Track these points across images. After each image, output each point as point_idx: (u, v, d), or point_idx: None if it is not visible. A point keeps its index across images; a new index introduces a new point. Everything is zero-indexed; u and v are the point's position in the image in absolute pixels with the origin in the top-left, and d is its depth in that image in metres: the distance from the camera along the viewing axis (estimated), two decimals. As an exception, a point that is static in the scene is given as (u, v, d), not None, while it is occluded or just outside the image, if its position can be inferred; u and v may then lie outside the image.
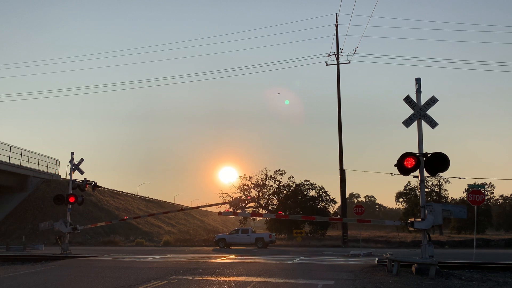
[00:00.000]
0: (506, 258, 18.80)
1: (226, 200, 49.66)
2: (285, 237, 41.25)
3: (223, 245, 30.80)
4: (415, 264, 11.83)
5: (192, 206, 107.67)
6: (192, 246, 34.35)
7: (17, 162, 44.83)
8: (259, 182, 49.63)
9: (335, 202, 48.78)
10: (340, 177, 33.88)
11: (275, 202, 49.58)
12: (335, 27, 35.53)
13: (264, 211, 50.80)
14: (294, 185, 48.76)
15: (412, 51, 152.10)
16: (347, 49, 71.36)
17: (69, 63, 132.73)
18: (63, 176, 53.02)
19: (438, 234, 52.43)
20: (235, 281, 10.56)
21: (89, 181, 21.90)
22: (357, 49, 40.99)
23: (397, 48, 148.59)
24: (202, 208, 44.70)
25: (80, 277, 11.88)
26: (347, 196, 39.30)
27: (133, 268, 13.92)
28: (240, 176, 50.77)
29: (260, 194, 49.96)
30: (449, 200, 59.00)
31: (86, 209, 47.21)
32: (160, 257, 19.20)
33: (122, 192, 66.94)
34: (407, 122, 12.70)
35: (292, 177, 49.58)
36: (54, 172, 52.54)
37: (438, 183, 57.67)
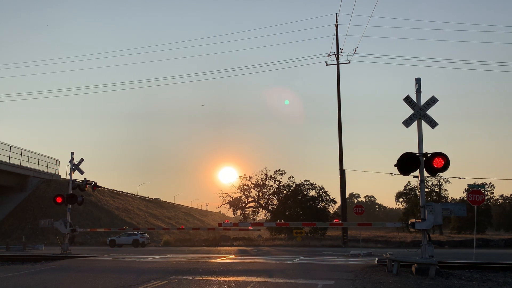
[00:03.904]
0: (506, 258, 18.78)
1: (226, 200, 49.79)
2: (285, 237, 41.25)
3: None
4: (415, 264, 11.82)
5: (192, 206, 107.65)
6: (192, 246, 34.35)
7: (17, 162, 44.85)
8: (259, 182, 49.65)
9: (335, 202, 48.83)
10: (340, 177, 33.87)
11: (275, 202, 49.61)
12: (335, 27, 35.55)
13: (264, 211, 50.83)
14: (294, 185, 48.76)
15: (412, 51, 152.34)
16: (347, 49, 71.46)
17: (69, 63, 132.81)
18: (63, 176, 53.05)
19: (438, 234, 52.46)
20: (235, 281, 10.56)
21: (89, 181, 21.87)
22: (357, 49, 40.97)
23: (397, 48, 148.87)
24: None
25: (80, 277, 11.87)
26: (347, 196, 39.32)
27: (133, 268, 13.91)
28: (240, 176, 50.86)
29: (260, 194, 49.98)
30: (449, 200, 59.02)
31: (86, 209, 47.22)
32: (160, 257, 19.19)
33: (122, 192, 66.97)
34: (407, 122, 12.69)
35: (292, 177, 49.65)
36: (54, 172, 52.55)
37: (438, 183, 57.72)
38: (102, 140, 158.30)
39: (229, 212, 51.48)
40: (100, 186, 23.92)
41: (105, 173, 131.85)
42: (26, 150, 46.43)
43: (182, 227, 27.29)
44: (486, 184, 66.45)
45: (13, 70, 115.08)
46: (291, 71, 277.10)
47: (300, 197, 47.56)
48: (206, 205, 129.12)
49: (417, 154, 12.27)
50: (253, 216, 50.71)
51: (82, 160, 21.57)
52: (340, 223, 22.61)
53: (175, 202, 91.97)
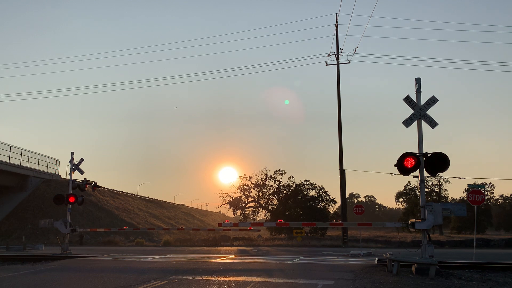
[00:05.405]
0: (506, 258, 18.79)
1: (226, 200, 49.78)
2: (285, 236, 41.23)
3: None
4: (415, 264, 11.82)
5: (192, 206, 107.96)
6: (192, 246, 34.33)
7: (17, 162, 44.83)
8: (259, 182, 49.61)
9: (335, 202, 48.78)
10: (340, 177, 33.86)
11: (275, 202, 49.57)
12: (335, 27, 35.51)
13: (264, 211, 50.81)
14: (294, 185, 48.72)
15: (412, 51, 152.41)
16: (347, 49, 71.36)
17: (69, 63, 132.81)
18: (63, 176, 53.05)
19: (438, 234, 52.44)
20: (235, 281, 10.56)
21: (89, 181, 21.87)
22: (357, 49, 40.95)
23: (397, 48, 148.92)
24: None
25: (79, 277, 11.87)
26: (347, 196, 39.30)
27: (133, 268, 13.91)
28: (240, 176, 50.77)
29: (260, 194, 49.94)
30: (449, 200, 58.97)
31: (86, 209, 47.19)
32: (160, 257, 19.19)
33: (122, 192, 66.94)
34: (407, 122, 12.70)
35: (292, 177, 49.59)
36: (54, 172, 52.53)
37: (438, 183, 57.68)
38: (102, 140, 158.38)
39: (229, 212, 51.46)
40: (100, 186, 23.92)
41: (105, 173, 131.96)
42: (26, 150, 46.44)
43: (182, 227, 27.30)
44: (486, 184, 66.40)
45: (13, 70, 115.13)
46: (291, 71, 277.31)
47: (300, 197, 47.54)
48: (206, 205, 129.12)
49: (417, 154, 12.27)
50: (253, 216, 50.66)
51: (82, 160, 21.58)
52: (340, 223, 22.64)
53: (175, 202, 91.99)
